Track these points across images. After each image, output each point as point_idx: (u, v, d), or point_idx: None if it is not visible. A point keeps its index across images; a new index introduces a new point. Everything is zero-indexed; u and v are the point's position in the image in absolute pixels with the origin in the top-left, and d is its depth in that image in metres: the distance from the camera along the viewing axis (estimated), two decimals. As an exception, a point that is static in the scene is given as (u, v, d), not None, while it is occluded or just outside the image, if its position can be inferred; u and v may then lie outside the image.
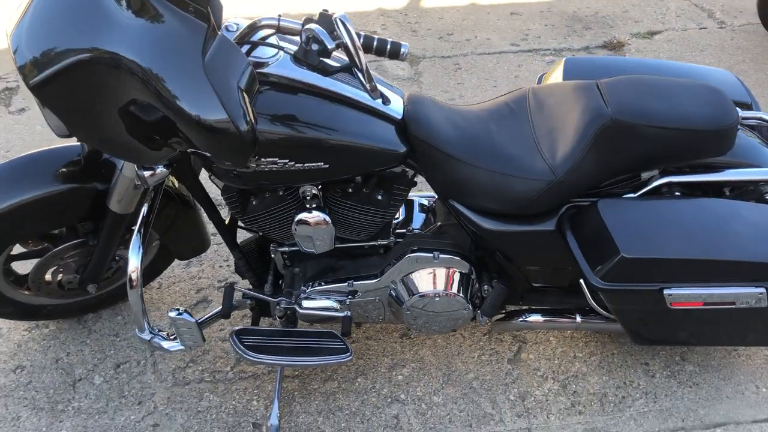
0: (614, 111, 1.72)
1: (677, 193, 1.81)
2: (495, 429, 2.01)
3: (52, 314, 2.28)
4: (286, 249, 2.01)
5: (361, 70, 1.42)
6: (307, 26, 1.47)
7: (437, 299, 1.94)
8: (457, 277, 1.94)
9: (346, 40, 1.42)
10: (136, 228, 1.80)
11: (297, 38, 1.72)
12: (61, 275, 2.12)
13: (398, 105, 1.79)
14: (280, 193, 1.83)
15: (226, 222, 2.01)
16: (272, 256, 2.05)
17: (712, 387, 2.13)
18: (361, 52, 1.42)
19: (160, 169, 1.73)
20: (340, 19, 1.44)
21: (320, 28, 1.46)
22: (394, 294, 1.98)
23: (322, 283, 2.00)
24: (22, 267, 2.11)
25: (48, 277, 2.10)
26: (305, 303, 2.00)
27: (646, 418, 2.04)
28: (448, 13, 4.68)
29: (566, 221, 1.80)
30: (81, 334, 2.31)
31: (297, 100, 1.64)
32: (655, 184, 1.80)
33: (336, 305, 2.00)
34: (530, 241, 1.84)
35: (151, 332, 1.90)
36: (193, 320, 1.84)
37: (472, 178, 1.77)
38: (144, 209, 1.83)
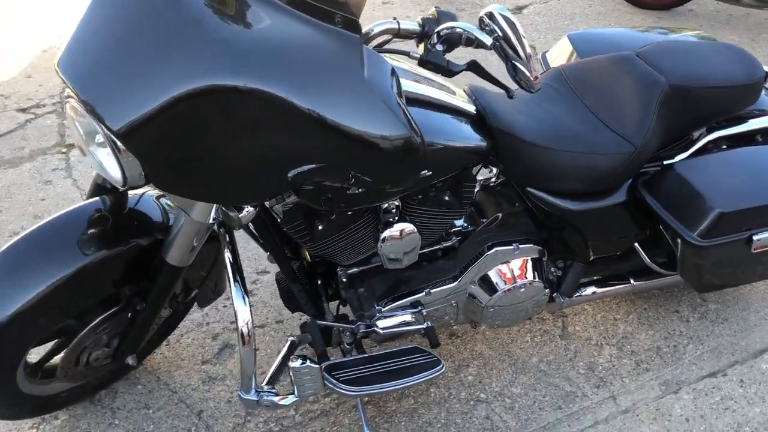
0: (670, 78, 1.80)
1: (723, 147, 1.94)
2: (583, 405, 2.04)
3: (67, 401, 1.94)
4: (355, 270, 1.87)
5: (526, 63, 1.35)
6: (444, 25, 1.37)
7: (522, 290, 1.91)
8: (531, 263, 1.93)
9: (508, 31, 1.33)
10: (231, 276, 1.58)
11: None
12: (89, 353, 1.80)
13: (464, 98, 1.74)
14: (350, 213, 1.70)
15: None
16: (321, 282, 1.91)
17: (739, 319, 2.32)
18: (525, 42, 1.34)
19: (249, 208, 1.53)
20: (498, 12, 1.36)
21: (468, 24, 1.36)
22: (471, 294, 1.92)
23: (397, 298, 1.89)
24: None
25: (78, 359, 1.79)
26: (382, 323, 1.87)
27: (703, 360, 2.18)
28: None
29: (642, 189, 1.85)
30: (104, 416, 1.98)
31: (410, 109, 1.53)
32: (704, 141, 1.92)
33: (413, 318, 1.90)
34: (607, 214, 1.87)
35: (257, 391, 1.68)
36: (317, 366, 1.66)
37: (555, 162, 1.76)
38: (227, 254, 1.61)
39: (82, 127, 1.36)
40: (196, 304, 2.06)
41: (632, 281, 2.12)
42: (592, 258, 2.02)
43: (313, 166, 1.31)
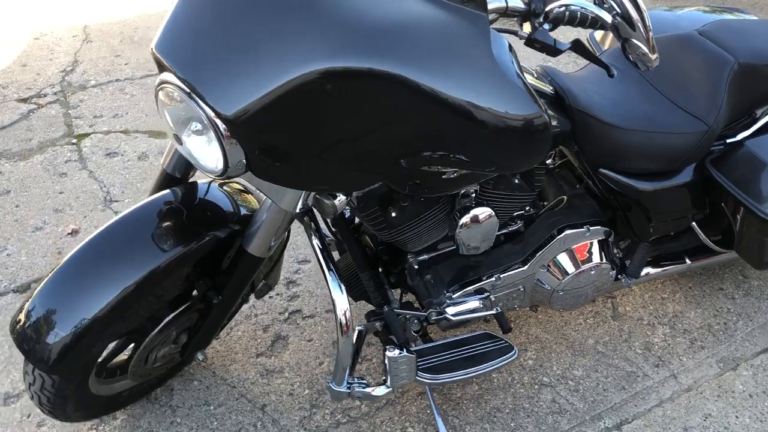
0: (738, 56, 1.81)
1: None
2: (646, 384, 2.05)
3: (128, 400, 1.87)
4: (425, 257, 1.84)
5: (647, 40, 1.32)
6: (556, 4, 1.33)
7: (592, 273, 1.90)
8: (599, 245, 1.92)
9: (628, 6, 1.30)
10: (324, 265, 1.53)
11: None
12: (158, 351, 1.74)
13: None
14: (423, 199, 1.67)
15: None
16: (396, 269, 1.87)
17: (783, 295, 2.37)
18: (647, 16, 1.31)
19: (341, 196, 1.47)
20: None
21: (584, 2, 1.32)
22: (540, 278, 1.90)
23: (466, 285, 1.86)
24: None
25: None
26: (451, 309, 1.84)
27: (755, 336, 2.21)
28: None
29: (711, 168, 1.86)
30: (164, 415, 1.91)
31: None
32: (766, 119, 1.93)
33: (481, 304, 1.88)
34: (675, 193, 1.87)
35: (349, 383, 1.63)
36: (414, 355, 1.62)
37: (631, 142, 1.75)
38: (316, 242, 1.56)
39: (177, 114, 1.30)
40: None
41: (687, 260, 2.13)
42: (651, 238, 2.02)
43: (433, 151, 1.28)
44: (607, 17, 1.32)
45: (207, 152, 1.30)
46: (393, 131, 1.24)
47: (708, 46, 1.84)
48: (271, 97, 1.16)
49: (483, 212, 1.69)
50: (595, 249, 1.90)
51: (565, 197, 1.97)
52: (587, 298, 2.00)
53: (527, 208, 1.96)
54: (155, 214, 1.55)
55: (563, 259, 1.88)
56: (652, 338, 2.19)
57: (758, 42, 1.85)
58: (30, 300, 1.49)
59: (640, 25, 1.29)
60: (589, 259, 1.89)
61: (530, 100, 1.24)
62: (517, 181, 1.76)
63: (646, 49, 1.31)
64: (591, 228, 1.87)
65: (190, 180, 1.68)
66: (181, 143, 1.32)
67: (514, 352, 1.84)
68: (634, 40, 1.33)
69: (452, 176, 1.47)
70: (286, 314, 2.23)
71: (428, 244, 1.80)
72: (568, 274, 1.88)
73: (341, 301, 1.51)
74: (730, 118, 1.86)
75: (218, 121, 1.18)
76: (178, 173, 1.66)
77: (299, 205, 1.50)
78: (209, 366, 2.04)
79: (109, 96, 3.38)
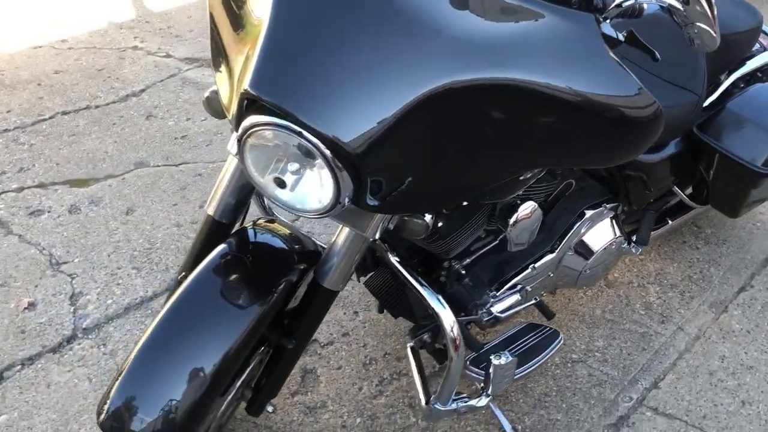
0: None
1: (741, 86, 2.17)
2: (661, 341, 2.19)
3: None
4: (467, 260, 1.84)
5: (712, 22, 1.38)
6: None
7: (613, 247, 2.00)
8: (613, 220, 2.03)
9: None
10: (415, 281, 1.49)
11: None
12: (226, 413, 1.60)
13: None
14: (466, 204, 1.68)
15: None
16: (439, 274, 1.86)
17: (734, 237, 2.62)
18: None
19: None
20: None
21: None
22: (567, 262, 1.97)
23: (506, 281, 1.89)
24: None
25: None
26: (497, 307, 1.87)
27: (728, 278, 2.43)
28: (188, 11, 4.35)
29: (700, 134, 2.02)
30: (221, 479, 1.77)
31: None
32: (727, 83, 2.13)
33: (521, 297, 1.92)
34: (671, 161, 2.02)
35: (454, 400, 1.59)
36: (516, 358, 1.61)
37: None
38: (394, 260, 1.52)
39: (269, 157, 1.21)
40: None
41: (669, 221, 2.31)
42: (644, 205, 2.16)
43: (555, 155, 1.29)
44: (679, 4, 1.39)
45: (310, 191, 1.22)
46: (517, 139, 1.23)
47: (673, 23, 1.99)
48: (392, 121, 1.11)
49: (529, 206, 1.72)
50: (613, 224, 2.00)
51: (572, 181, 2.05)
52: (606, 272, 2.10)
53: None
54: (221, 274, 1.42)
55: (588, 239, 1.96)
56: (648, 298, 2.35)
57: (721, 14, 2.03)
58: (114, 390, 1.32)
59: (707, 8, 1.38)
60: (610, 235, 1.99)
61: (647, 91, 1.29)
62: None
63: (711, 31, 1.40)
64: (607, 205, 1.97)
65: (237, 225, 1.57)
66: (284, 186, 1.23)
67: (560, 336, 1.90)
68: (701, 24, 1.41)
69: (527, 176, 1.48)
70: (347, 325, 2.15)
71: (464, 247, 1.81)
72: (593, 252, 1.96)
73: (447, 315, 1.47)
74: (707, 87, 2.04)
75: (329, 153, 1.12)
76: (226, 219, 1.54)
77: (379, 230, 1.45)
78: (246, 418, 1.91)
79: (4, 149, 3.02)
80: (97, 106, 3.33)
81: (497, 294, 1.85)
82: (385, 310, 2.08)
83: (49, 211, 2.65)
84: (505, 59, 1.17)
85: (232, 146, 1.45)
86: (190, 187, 2.80)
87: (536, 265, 1.90)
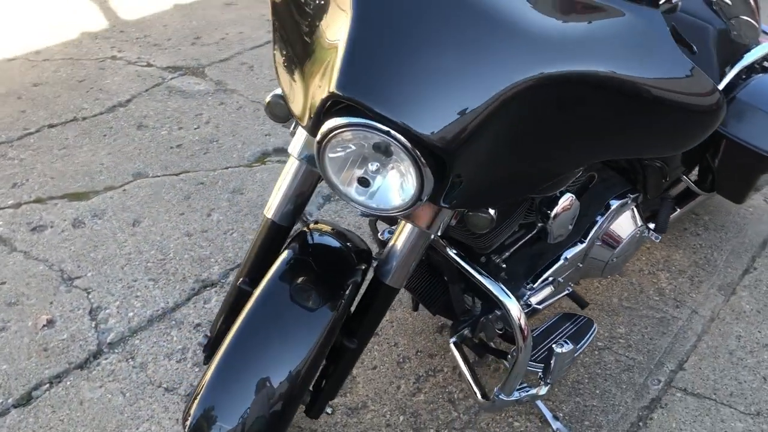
0: (714, 23, 2.07)
1: (743, 77, 2.27)
2: (679, 325, 2.27)
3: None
4: (506, 254, 1.88)
5: (756, 15, 1.45)
6: None
7: (637, 235, 2.07)
8: (636, 209, 2.09)
9: None
10: (476, 272, 1.52)
11: None
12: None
13: None
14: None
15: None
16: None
17: (730, 223, 2.73)
18: None
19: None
20: None
21: None
22: (594, 253, 2.03)
23: (540, 273, 1.93)
24: None
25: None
26: (534, 300, 1.91)
27: (732, 262, 2.54)
28: (163, 19, 4.29)
29: None
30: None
31: None
32: (732, 75, 2.23)
33: (554, 288, 1.97)
34: (688, 150, 2.09)
35: (518, 390, 1.62)
36: (574, 345, 1.64)
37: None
38: (452, 253, 1.55)
39: (348, 158, 1.23)
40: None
41: (677, 209, 2.40)
42: (659, 194, 2.24)
43: (629, 146, 1.34)
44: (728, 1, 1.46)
45: (391, 189, 1.25)
46: (598, 130, 1.28)
47: (687, 19, 2.08)
48: (481, 116, 1.14)
49: (568, 198, 1.75)
50: (636, 213, 2.07)
51: (594, 173, 2.11)
52: (628, 260, 2.17)
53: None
54: (291, 281, 1.42)
55: (615, 229, 2.01)
56: (660, 284, 2.43)
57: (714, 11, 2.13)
58: (196, 402, 1.31)
59: (752, 1, 1.45)
60: (634, 224, 2.05)
61: (711, 81, 1.35)
62: None
63: (754, 22, 1.48)
64: (630, 195, 2.04)
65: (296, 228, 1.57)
66: (368, 185, 1.24)
67: (594, 324, 1.95)
68: (743, 17, 1.48)
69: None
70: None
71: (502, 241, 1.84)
72: (620, 242, 2.02)
73: (514, 305, 1.50)
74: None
75: (415, 150, 1.14)
76: (285, 222, 1.54)
77: (443, 227, 1.47)
78: (294, 423, 1.90)
79: (-8, 165, 2.93)
80: (84, 118, 3.26)
81: (534, 286, 1.89)
82: (419, 308, 2.10)
83: (51, 226, 2.58)
84: (588, 53, 1.21)
85: (294, 149, 1.46)
86: (194, 196, 2.76)
87: (568, 256, 1.95)
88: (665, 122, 1.32)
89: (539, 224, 1.77)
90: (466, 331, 1.86)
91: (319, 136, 1.18)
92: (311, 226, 1.57)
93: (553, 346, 1.61)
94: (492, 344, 1.92)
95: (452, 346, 1.85)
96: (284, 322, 1.36)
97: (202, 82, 3.60)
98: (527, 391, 1.66)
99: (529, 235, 1.90)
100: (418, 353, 2.13)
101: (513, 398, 1.64)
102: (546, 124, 1.22)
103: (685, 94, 1.30)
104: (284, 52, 1.38)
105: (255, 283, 1.51)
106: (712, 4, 1.48)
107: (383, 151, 1.20)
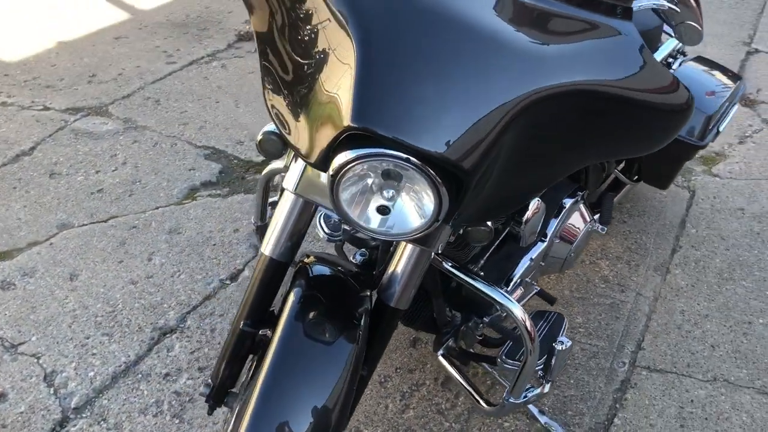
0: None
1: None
2: (627, 308, 2.41)
3: None
4: (481, 262, 1.94)
5: (698, 18, 1.57)
6: (645, 3, 1.53)
7: (589, 229, 2.19)
8: (584, 204, 2.22)
9: None
10: (473, 281, 1.56)
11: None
12: None
13: None
14: None
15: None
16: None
17: (650, 208, 2.95)
18: None
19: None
20: None
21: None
22: (554, 250, 2.13)
23: (511, 277, 2.01)
24: None
25: None
26: (510, 303, 1.99)
27: (660, 243, 2.73)
28: (49, 59, 4.07)
29: None
30: None
31: None
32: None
33: (524, 289, 2.05)
34: None
35: (525, 393, 1.66)
36: (572, 342, 1.70)
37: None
38: (449, 265, 1.58)
39: (359, 188, 1.25)
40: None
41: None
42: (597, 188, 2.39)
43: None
44: (666, 5, 1.59)
45: (407, 214, 1.27)
46: (590, 137, 1.36)
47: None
48: (493, 134, 1.19)
49: (536, 203, 1.85)
50: (585, 209, 2.20)
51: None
52: (581, 253, 2.29)
53: None
54: (305, 320, 1.41)
55: (570, 226, 2.13)
56: (602, 272, 2.59)
57: (638, 16, 2.30)
58: None
59: (693, 2, 1.59)
60: (585, 219, 2.18)
61: (681, 82, 1.46)
62: None
63: (698, 27, 1.61)
64: (579, 192, 2.16)
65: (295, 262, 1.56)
66: (387, 213, 1.26)
67: (565, 318, 2.05)
68: (689, 21, 1.62)
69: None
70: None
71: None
72: (576, 237, 2.14)
73: (518, 309, 1.55)
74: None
75: (433, 172, 1.17)
76: (284, 258, 1.52)
77: (444, 244, 1.51)
78: (291, 459, 1.87)
79: None
80: (-14, 172, 3.03)
81: (508, 289, 1.96)
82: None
83: (-23, 292, 2.38)
84: (573, 66, 1.29)
85: (289, 183, 1.44)
86: (129, 241, 2.64)
87: (533, 257, 2.04)
88: (647, 124, 1.42)
89: (514, 230, 1.85)
90: (450, 342, 1.90)
91: (332, 171, 1.18)
92: (306, 260, 1.55)
93: (554, 344, 1.69)
94: (472, 350, 1.97)
95: (441, 359, 1.89)
96: (311, 364, 1.34)
97: (109, 121, 3.44)
98: (532, 392, 1.72)
99: (498, 241, 1.98)
100: (398, 370, 2.15)
101: (522, 400, 1.69)
102: (548, 135, 1.29)
103: (663, 96, 1.40)
104: (277, 87, 1.36)
105: (258, 325, 1.48)
106: (659, 12, 1.61)
107: (393, 177, 1.22)
